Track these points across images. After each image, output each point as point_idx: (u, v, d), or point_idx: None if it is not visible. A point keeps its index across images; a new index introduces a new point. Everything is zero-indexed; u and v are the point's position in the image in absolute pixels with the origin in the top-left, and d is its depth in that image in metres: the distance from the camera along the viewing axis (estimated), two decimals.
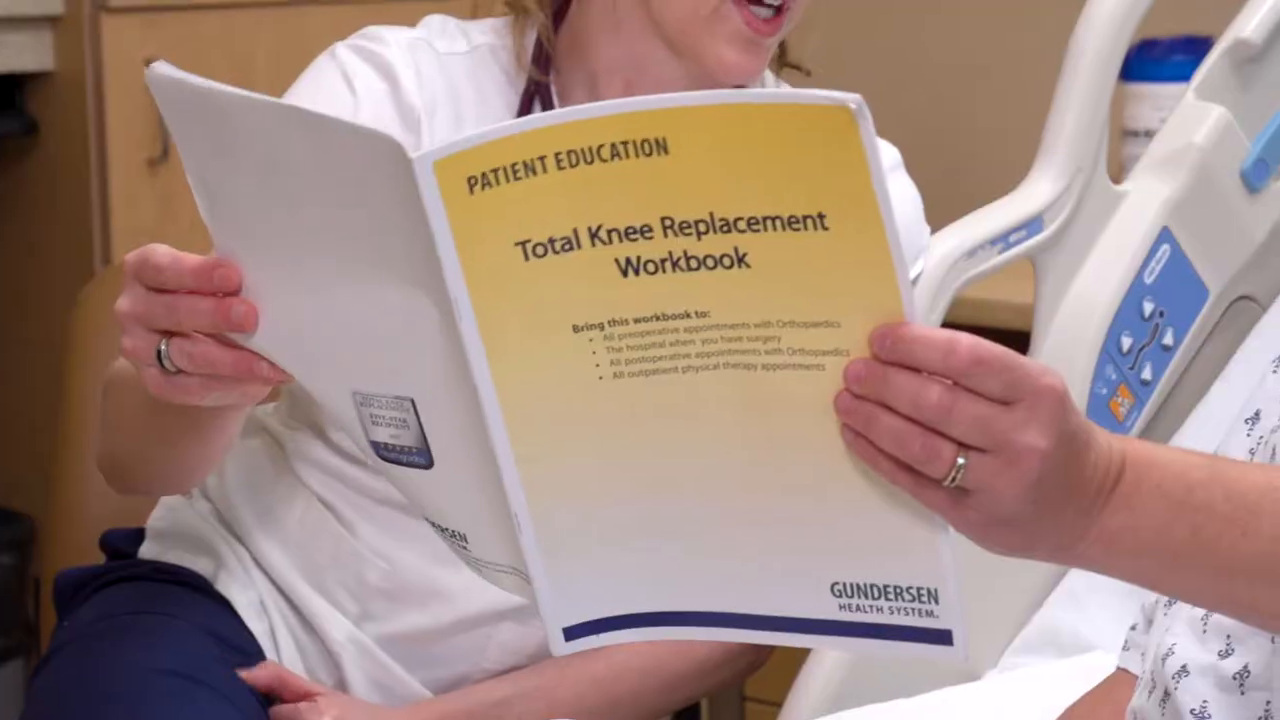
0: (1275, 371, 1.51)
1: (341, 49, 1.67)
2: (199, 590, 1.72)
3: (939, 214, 1.79)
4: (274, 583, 1.73)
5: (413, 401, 1.14)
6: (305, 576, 1.72)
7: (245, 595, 1.72)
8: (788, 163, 1.02)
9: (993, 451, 1.06)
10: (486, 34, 1.70)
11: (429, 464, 1.16)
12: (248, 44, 2.73)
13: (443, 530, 1.19)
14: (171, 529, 1.78)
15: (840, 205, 1.02)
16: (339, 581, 1.71)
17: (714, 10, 1.60)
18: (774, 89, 1.67)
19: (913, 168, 1.73)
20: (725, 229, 1.04)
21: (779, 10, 1.60)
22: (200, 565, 1.74)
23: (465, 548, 1.17)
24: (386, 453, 1.18)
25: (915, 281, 1.71)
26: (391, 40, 1.66)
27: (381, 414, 1.17)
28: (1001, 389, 1.05)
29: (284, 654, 1.71)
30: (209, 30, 2.72)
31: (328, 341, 1.18)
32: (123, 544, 1.79)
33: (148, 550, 1.77)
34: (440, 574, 1.69)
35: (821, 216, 1.02)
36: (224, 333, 1.23)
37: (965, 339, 1.05)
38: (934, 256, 1.75)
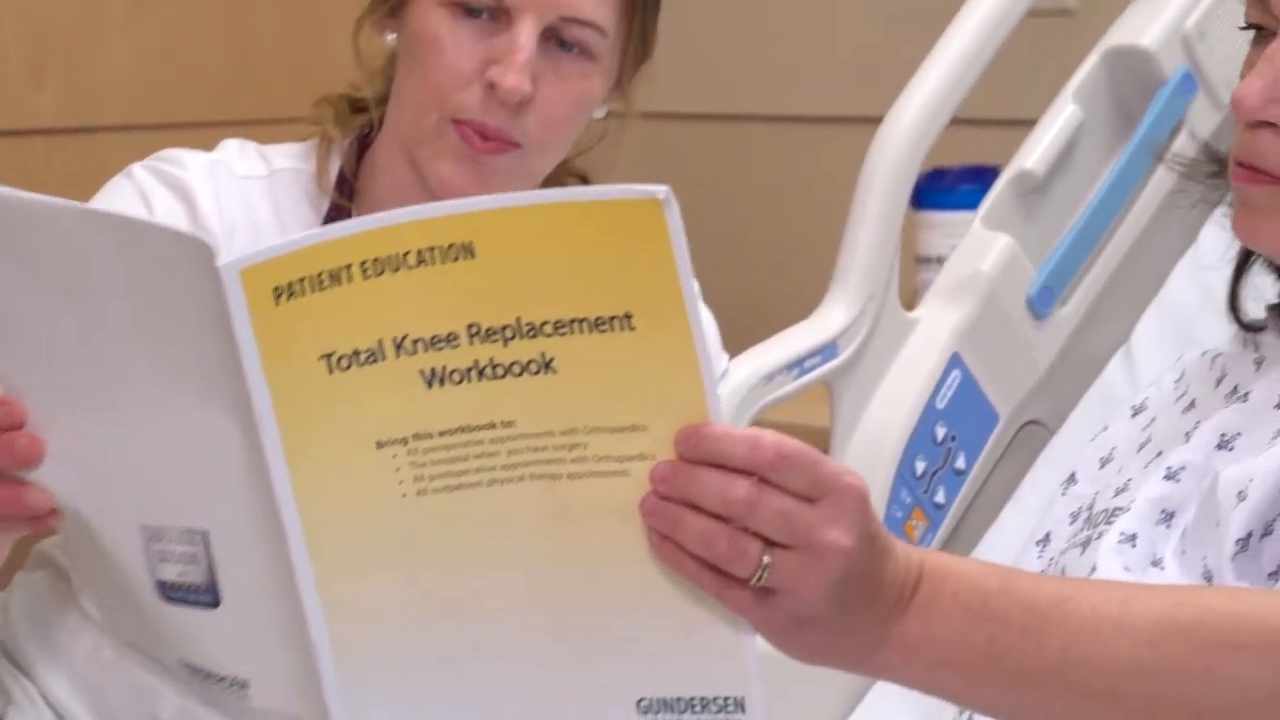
0: (1064, 494, 1.54)
1: (138, 170, 1.66)
2: None
3: (736, 341, 1.81)
4: None
5: (205, 534, 1.12)
6: (95, 713, 1.68)
7: None
8: (595, 261, 1.03)
9: (798, 548, 1.07)
10: (288, 158, 1.70)
11: (215, 603, 1.13)
12: (41, 171, 2.70)
13: (214, 677, 1.16)
14: None
15: (647, 302, 1.03)
16: (130, 718, 1.67)
17: (435, 128, 1.61)
18: (582, 188, 1.68)
19: (709, 296, 1.75)
20: (532, 333, 1.04)
21: (501, 138, 1.60)
22: None
23: (244, 695, 1.14)
24: (171, 592, 1.15)
25: None
26: (189, 162, 1.66)
27: (171, 549, 1.14)
28: (806, 485, 1.07)
29: None
30: None
31: (119, 470, 1.15)
32: None
33: None
34: None
35: (628, 316, 1.03)
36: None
37: (770, 434, 1.06)
38: (731, 382, 1.77)
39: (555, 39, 1.61)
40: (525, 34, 1.58)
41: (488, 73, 1.59)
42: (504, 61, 1.58)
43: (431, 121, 1.60)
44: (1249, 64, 1.40)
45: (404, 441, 1.06)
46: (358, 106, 1.71)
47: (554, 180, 1.72)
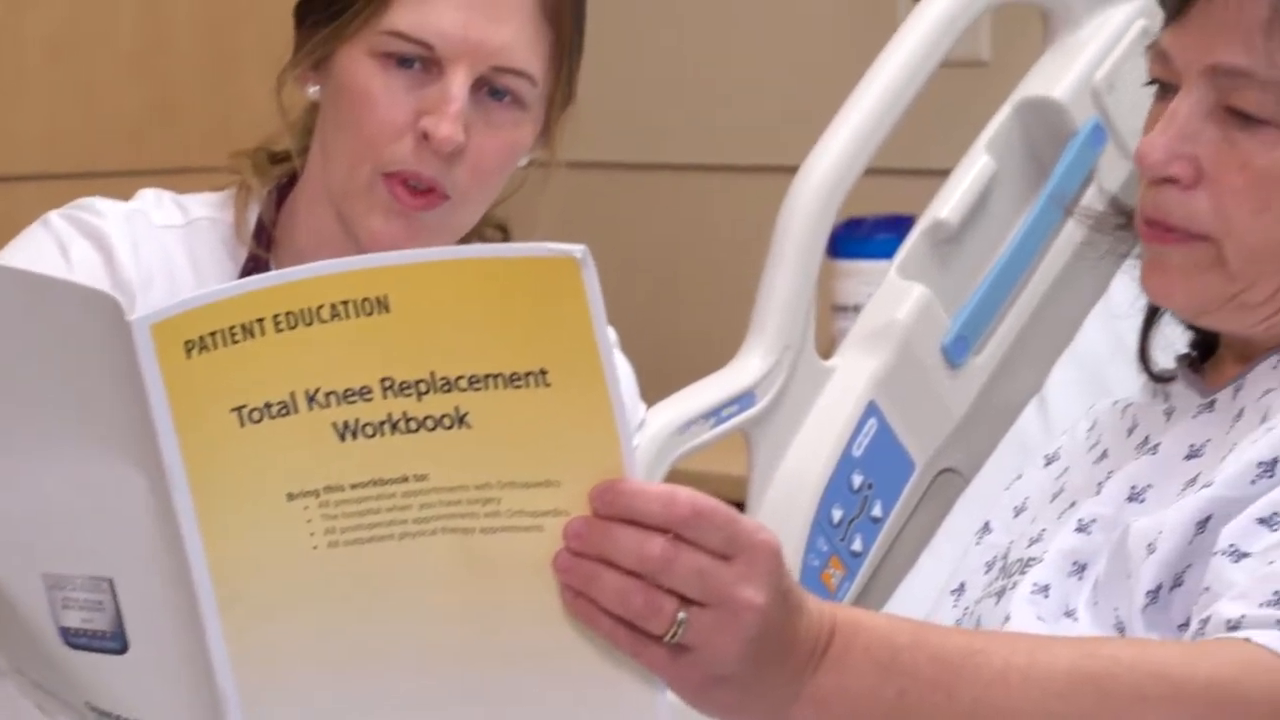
0: (979, 543, 1.55)
1: (55, 218, 1.65)
2: None
3: (653, 390, 1.81)
4: None
5: (111, 581, 1.11)
6: None
7: None
8: (510, 317, 1.03)
9: (713, 606, 1.07)
10: (205, 208, 1.69)
11: (122, 649, 1.12)
12: None
13: None
14: None
15: (562, 359, 1.03)
16: None
17: (367, 183, 1.60)
18: (499, 244, 1.68)
19: (627, 344, 1.75)
20: (446, 388, 1.04)
21: (433, 190, 1.60)
22: None
23: None
24: (75, 639, 1.14)
25: None
26: (107, 212, 1.65)
27: (75, 596, 1.13)
28: (721, 542, 1.07)
29: None
30: None
31: (19, 522, 1.14)
32: None
33: None
34: None
35: (544, 372, 1.04)
36: None
37: (684, 491, 1.07)
38: (649, 431, 1.78)
39: (486, 88, 1.61)
40: (458, 84, 1.58)
41: (420, 123, 1.58)
42: (437, 112, 1.58)
43: (363, 175, 1.60)
44: (1152, 119, 1.42)
45: (315, 494, 1.06)
46: (277, 157, 1.71)
47: (475, 231, 1.72)
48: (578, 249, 1.02)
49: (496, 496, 1.06)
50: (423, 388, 1.04)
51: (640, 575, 1.07)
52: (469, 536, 1.07)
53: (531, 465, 1.05)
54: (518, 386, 1.04)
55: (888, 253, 2.02)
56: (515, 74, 1.60)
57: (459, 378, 1.04)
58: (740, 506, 1.86)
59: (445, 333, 1.04)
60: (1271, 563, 1.25)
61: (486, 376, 1.04)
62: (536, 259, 1.02)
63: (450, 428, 1.05)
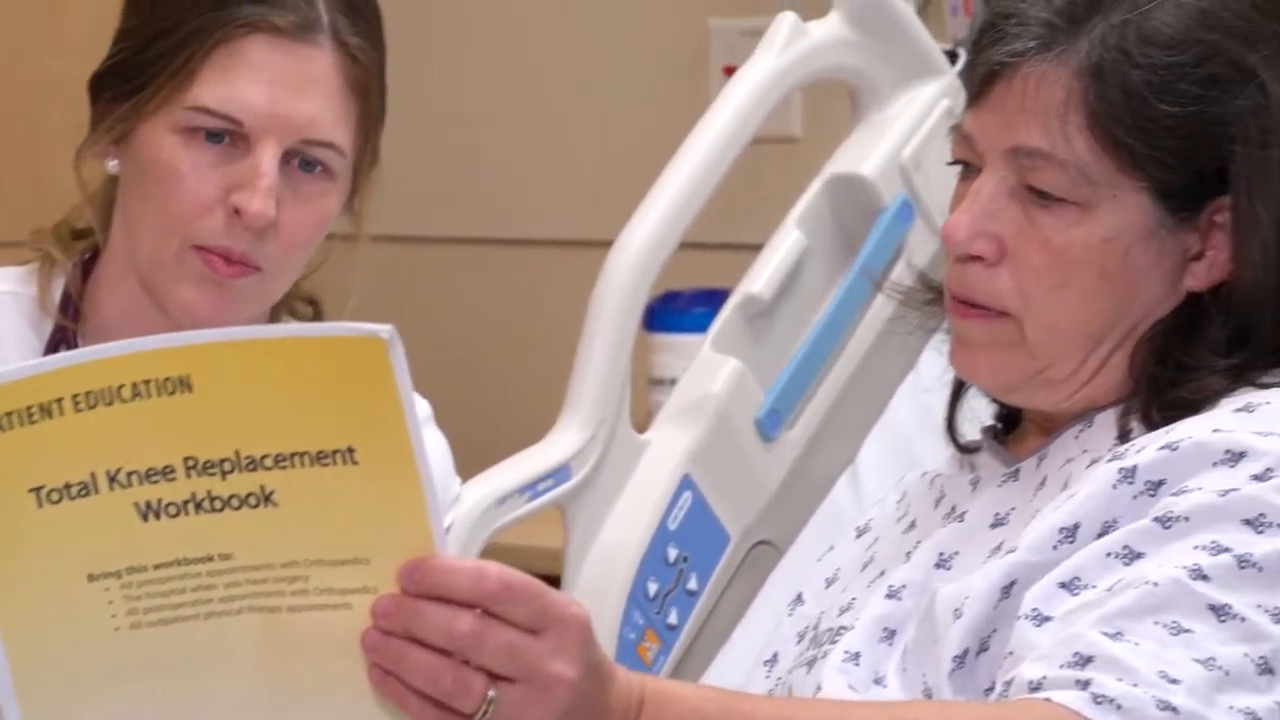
0: (791, 614, 1.57)
1: None
2: None
3: (468, 464, 1.81)
4: None
5: None
6: None
7: None
8: (316, 397, 1.03)
9: (523, 681, 1.07)
10: (6, 282, 1.67)
11: None
12: None
13: None
14: None
15: (370, 438, 1.03)
16: None
17: (175, 255, 1.59)
18: (304, 324, 1.67)
19: (442, 419, 1.75)
20: (251, 467, 1.04)
21: (245, 262, 1.59)
22: None
23: None
24: None
25: (446, 532, 1.73)
26: None
27: None
28: (530, 617, 1.07)
29: None
30: None
31: None
32: None
33: None
34: None
35: (351, 451, 1.04)
36: None
37: (494, 566, 1.07)
38: (464, 506, 1.77)
39: (296, 160, 1.60)
40: (267, 159, 1.57)
41: (231, 198, 1.57)
42: (249, 187, 1.57)
43: (172, 249, 1.58)
44: (957, 198, 1.45)
45: (117, 575, 1.05)
46: (80, 232, 1.69)
47: (285, 304, 1.72)
48: (385, 329, 1.02)
49: (304, 574, 1.06)
50: (227, 467, 1.04)
51: (449, 653, 1.06)
52: (276, 615, 1.06)
53: (340, 543, 1.05)
54: (325, 465, 1.04)
55: (702, 326, 2.03)
56: (324, 146, 1.60)
57: (264, 456, 1.04)
58: (556, 580, 1.87)
59: (249, 412, 1.03)
60: (1072, 625, 1.27)
61: (292, 455, 1.04)
62: (342, 339, 1.02)
63: (256, 506, 1.04)
